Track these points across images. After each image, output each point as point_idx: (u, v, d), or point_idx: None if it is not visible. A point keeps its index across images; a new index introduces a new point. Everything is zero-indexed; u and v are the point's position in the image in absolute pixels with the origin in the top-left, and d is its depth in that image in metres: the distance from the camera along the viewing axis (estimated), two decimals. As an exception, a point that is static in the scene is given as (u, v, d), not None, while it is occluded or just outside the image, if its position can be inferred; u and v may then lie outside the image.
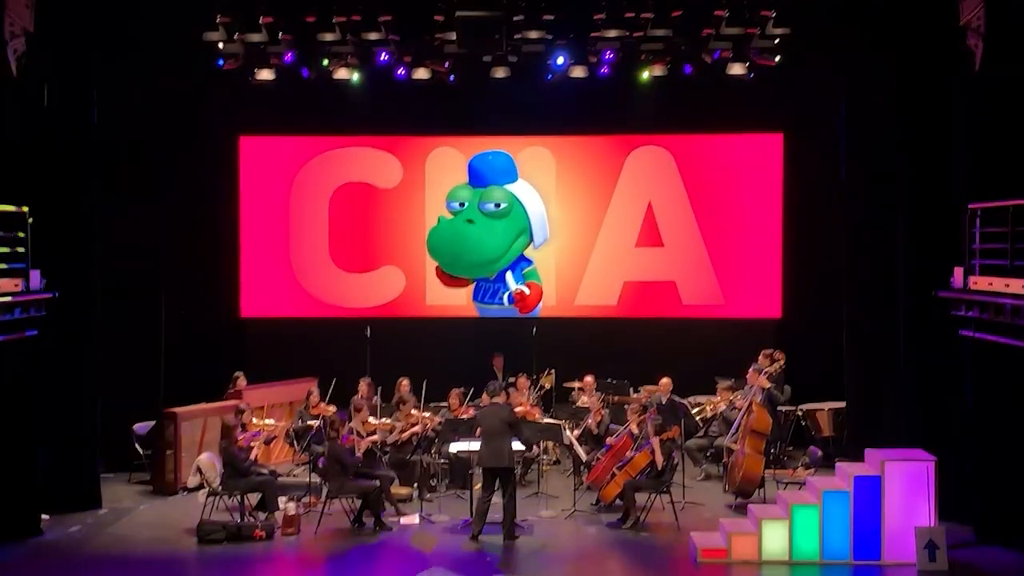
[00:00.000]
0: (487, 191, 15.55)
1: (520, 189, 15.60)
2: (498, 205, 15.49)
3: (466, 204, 15.57)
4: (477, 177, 15.60)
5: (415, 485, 12.11)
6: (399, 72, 14.13)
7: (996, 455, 10.69)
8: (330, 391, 12.94)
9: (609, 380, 13.94)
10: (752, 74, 13.87)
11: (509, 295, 15.60)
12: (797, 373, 13.74)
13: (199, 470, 11.89)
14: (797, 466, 12.86)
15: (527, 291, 15.58)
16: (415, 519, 11.50)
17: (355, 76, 14.11)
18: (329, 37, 13.41)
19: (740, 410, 12.29)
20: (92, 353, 12.02)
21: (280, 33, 13.45)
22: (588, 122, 15.41)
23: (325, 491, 11.53)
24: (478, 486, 11.31)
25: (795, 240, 15.29)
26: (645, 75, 14.16)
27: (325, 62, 13.97)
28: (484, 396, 11.47)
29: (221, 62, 13.71)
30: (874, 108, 12.51)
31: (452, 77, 14.26)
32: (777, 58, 13.73)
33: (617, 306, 15.67)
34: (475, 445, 11.18)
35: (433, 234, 15.67)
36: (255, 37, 13.38)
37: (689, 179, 15.53)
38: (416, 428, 12.27)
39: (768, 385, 12.27)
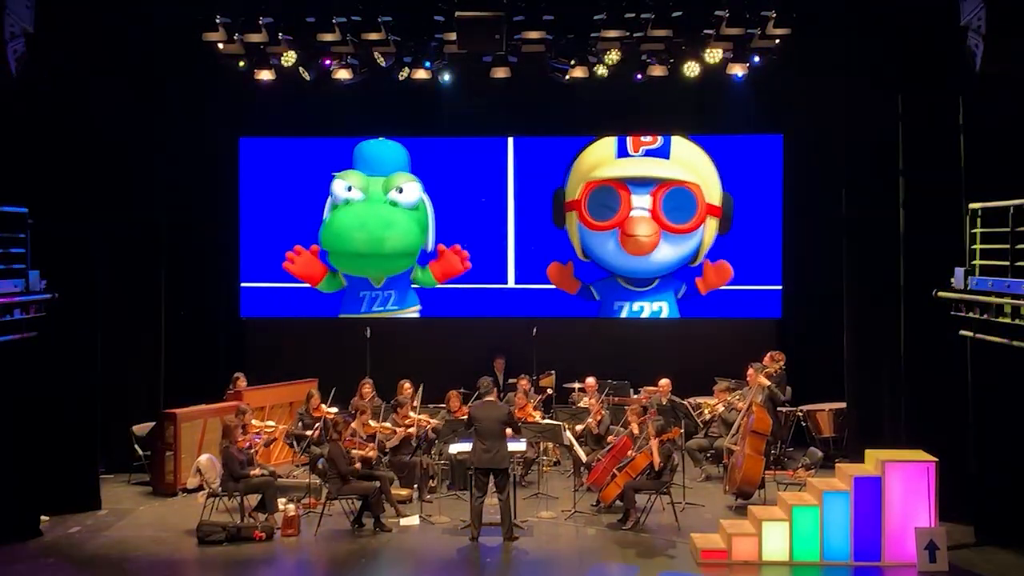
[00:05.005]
0: (393, 178, 15.58)
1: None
2: (401, 193, 15.54)
3: (364, 191, 15.55)
4: (369, 164, 15.65)
5: (415, 486, 12.10)
6: (399, 72, 14.13)
7: (996, 455, 10.69)
8: (331, 393, 12.93)
9: (609, 381, 13.94)
10: (743, 75, 13.88)
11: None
12: (797, 373, 13.75)
13: (199, 471, 11.88)
14: (797, 467, 12.86)
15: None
16: (415, 520, 11.49)
17: (354, 76, 14.14)
18: (329, 37, 13.41)
19: (739, 411, 12.29)
20: (92, 353, 12.02)
21: (280, 33, 13.46)
22: (589, 122, 15.40)
23: (325, 492, 11.52)
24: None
25: (795, 240, 15.29)
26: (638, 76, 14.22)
27: (327, 62, 13.99)
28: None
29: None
30: (874, 108, 12.50)
31: (448, 78, 14.27)
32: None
33: (616, 306, 15.68)
34: (470, 444, 11.11)
35: (345, 215, 15.59)
36: (255, 37, 13.38)
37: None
38: (412, 430, 12.24)
39: (768, 383, 12.28)
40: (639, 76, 14.35)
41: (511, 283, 15.81)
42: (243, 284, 15.80)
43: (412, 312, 15.76)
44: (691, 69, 13.88)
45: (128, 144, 13.36)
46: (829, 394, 13.96)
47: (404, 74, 14.16)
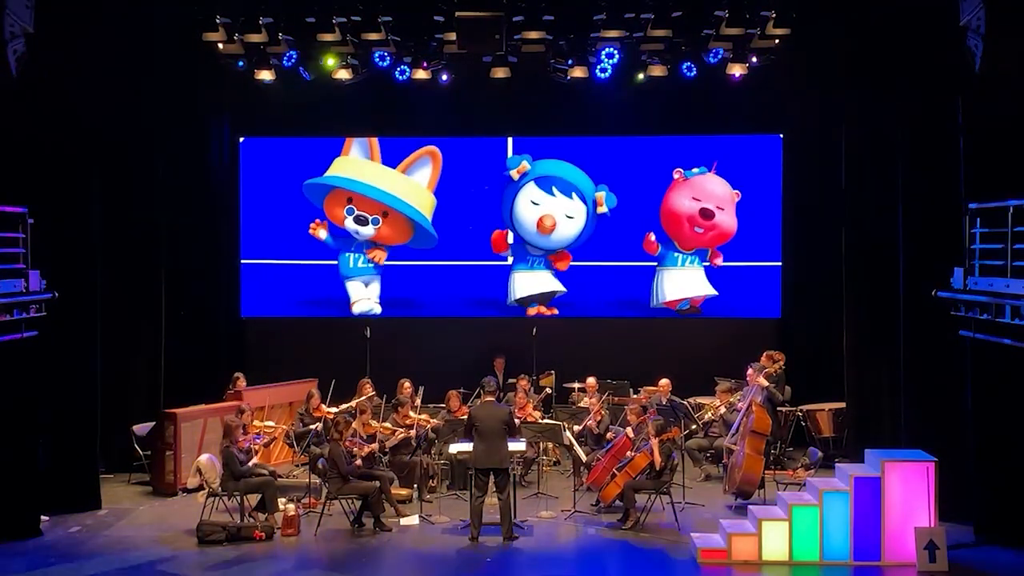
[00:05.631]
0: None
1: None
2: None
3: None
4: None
5: (415, 486, 12.10)
6: (399, 72, 14.14)
7: (996, 455, 10.69)
8: (330, 392, 12.94)
9: (609, 381, 13.95)
10: (739, 75, 13.89)
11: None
12: (797, 373, 13.75)
13: (199, 471, 11.88)
14: (797, 467, 12.86)
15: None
16: (414, 520, 11.49)
17: (354, 76, 14.15)
18: (329, 37, 13.41)
19: (740, 411, 12.29)
20: (92, 353, 12.02)
21: (280, 33, 13.47)
22: (589, 123, 15.41)
23: (325, 492, 11.53)
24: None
25: (795, 240, 15.29)
26: (640, 76, 14.24)
27: (331, 62, 14.00)
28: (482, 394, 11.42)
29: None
30: (874, 108, 12.51)
31: (445, 78, 14.28)
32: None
33: (617, 307, 15.68)
34: (470, 444, 11.11)
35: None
36: (255, 37, 13.38)
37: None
38: (411, 433, 12.24)
39: (767, 384, 12.29)
40: (641, 76, 14.38)
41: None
42: (243, 284, 15.80)
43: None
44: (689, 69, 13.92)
45: (128, 144, 13.36)
46: (829, 394, 13.96)
47: (404, 74, 14.16)
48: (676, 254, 15.58)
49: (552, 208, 15.60)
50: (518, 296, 15.73)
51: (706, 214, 15.40)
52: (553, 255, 15.68)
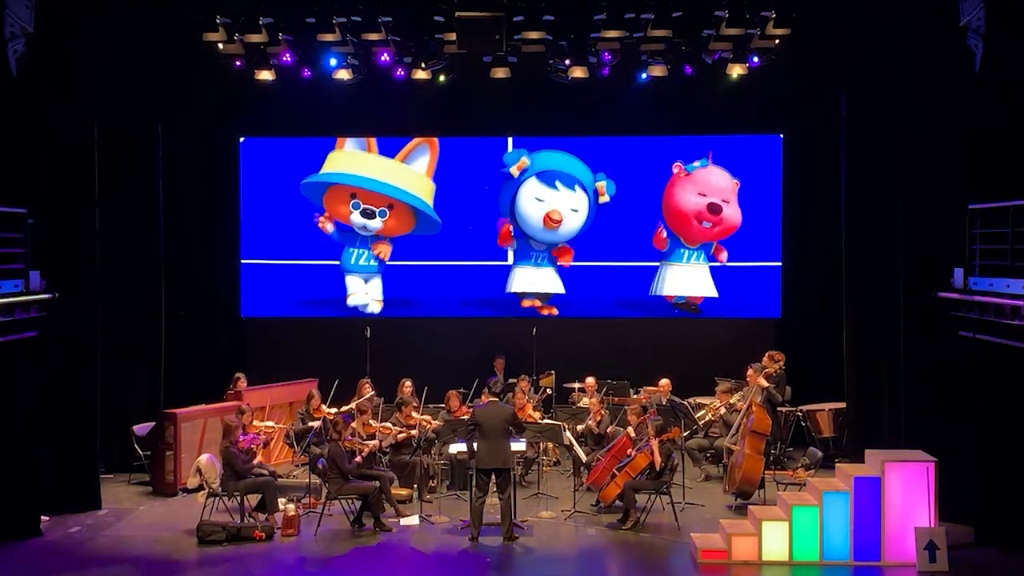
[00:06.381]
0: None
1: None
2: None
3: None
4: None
5: (415, 486, 12.11)
6: (399, 72, 14.15)
7: (996, 455, 10.69)
8: (331, 393, 12.94)
9: (609, 381, 13.95)
10: (739, 75, 13.89)
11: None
12: (797, 373, 13.75)
13: (199, 471, 11.88)
14: (797, 467, 12.86)
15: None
16: (415, 520, 11.49)
17: (354, 76, 14.16)
18: (329, 37, 13.42)
19: (740, 411, 12.29)
20: (92, 353, 12.02)
21: (280, 33, 13.47)
22: (589, 123, 15.41)
23: (325, 492, 11.53)
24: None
25: (795, 240, 15.30)
26: (644, 75, 14.26)
27: (333, 62, 14.00)
28: (484, 394, 11.41)
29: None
30: (874, 108, 12.51)
31: (444, 78, 14.28)
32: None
33: (617, 307, 15.69)
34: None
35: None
36: (255, 37, 13.39)
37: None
38: (414, 432, 12.24)
39: (767, 384, 12.29)
40: (644, 76, 14.37)
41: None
42: (243, 284, 15.81)
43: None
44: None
45: (128, 144, 13.36)
46: (829, 394, 13.96)
47: (404, 74, 14.16)
48: (682, 249, 15.58)
49: (557, 203, 15.59)
50: (517, 290, 15.72)
51: (714, 209, 15.39)
52: (556, 249, 15.68)
